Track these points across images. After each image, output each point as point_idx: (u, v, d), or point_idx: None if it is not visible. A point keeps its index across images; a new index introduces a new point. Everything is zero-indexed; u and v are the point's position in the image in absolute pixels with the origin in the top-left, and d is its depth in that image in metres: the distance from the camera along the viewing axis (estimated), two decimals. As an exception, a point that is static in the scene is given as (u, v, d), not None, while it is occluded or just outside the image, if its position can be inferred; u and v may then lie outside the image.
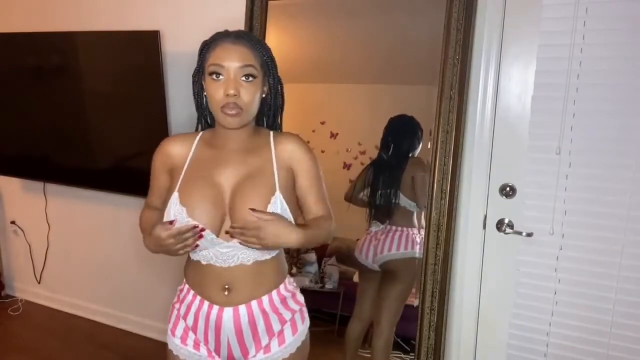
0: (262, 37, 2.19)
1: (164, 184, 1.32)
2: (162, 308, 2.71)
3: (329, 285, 2.42)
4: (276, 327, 1.30)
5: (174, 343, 1.33)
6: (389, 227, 2.14)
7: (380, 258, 2.14)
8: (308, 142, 2.39)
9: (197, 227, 1.17)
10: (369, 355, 2.23)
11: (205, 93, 1.25)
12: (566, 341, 1.79)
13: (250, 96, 1.19)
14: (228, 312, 1.25)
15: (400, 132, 2.12)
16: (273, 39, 2.23)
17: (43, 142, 2.78)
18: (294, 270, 2.50)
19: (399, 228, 2.12)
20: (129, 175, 2.60)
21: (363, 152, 2.23)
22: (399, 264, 2.11)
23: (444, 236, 1.88)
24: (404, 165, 2.11)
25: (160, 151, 1.32)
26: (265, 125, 1.36)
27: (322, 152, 2.28)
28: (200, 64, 1.25)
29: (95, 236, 2.95)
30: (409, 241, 2.10)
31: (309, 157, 1.33)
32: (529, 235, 1.79)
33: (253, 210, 1.16)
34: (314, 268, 2.46)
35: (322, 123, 2.37)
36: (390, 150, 2.13)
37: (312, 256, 2.49)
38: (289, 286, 1.35)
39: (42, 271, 3.18)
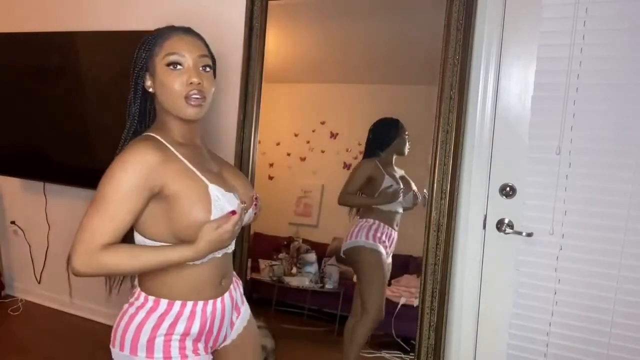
0: (262, 37, 2.19)
1: (136, 211, 1.10)
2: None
3: (329, 285, 2.42)
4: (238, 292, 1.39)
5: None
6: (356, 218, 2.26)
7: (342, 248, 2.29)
8: (308, 142, 2.42)
9: (245, 204, 1.23)
10: (370, 355, 2.23)
11: (151, 90, 1.19)
12: (566, 341, 1.79)
13: (210, 85, 1.18)
14: (224, 299, 1.28)
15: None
16: (273, 39, 2.23)
17: (43, 142, 2.78)
18: (294, 270, 2.50)
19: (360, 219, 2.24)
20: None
21: (363, 152, 2.23)
22: (347, 253, 2.25)
23: (444, 236, 1.88)
24: None
25: (145, 166, 1.09)
26: None
27: (322, 152, 2.29)
28: (145, 60, 1.17)
29: (95, 236, 2.95)
30: (356, 230, 2.20)
31: None
32: (529, 235, 1.79)
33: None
34: (314, 268, 2.46)
35: (322, 123, 2.37)
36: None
37: (312, 256, 2.49)
38: None
39: (42, 271, 3.18)
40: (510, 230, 1.84)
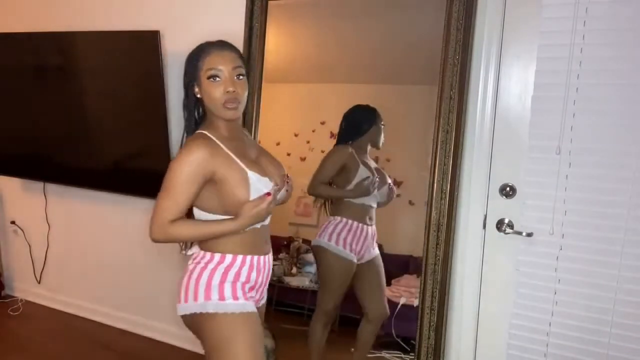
0: (262, 37, 2.19)
1: (195, 193, 1.41)
2: (162, 308, 2.71)
3: (329, 285, 2.41)
4: None
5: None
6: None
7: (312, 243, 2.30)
8: (308, 142, 2.42)
9: (278, 186, 1.52)
10: (370, 355, 2.23)
11: (199, 96, 1.46)
12: (566, 341, 1.79)
13: (244, 91, 1.44)
14: (268, 258, 1.57)
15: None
16: (273, 39, 2.23)
17: (43, 142, 2.79)
18: (294, 270, 2.50)
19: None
20: (129, 175, 2.60)
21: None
22: (313, 249, 2.28)
23: (444, 236, 1.88)
24: None
25: (198, 158, 1.38)
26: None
27: (322, 152, 2.28)
28: (192, 73, 1.45)
29: (95, 236, 2.95)
30: (324, 229, 2.19)
31: None
32: (529, 235, 1.79)
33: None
34: (314, 268, 2.46)
35: (322, 123, 2.37)
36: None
37: (312, 256, 2.49)
38: None
39: (42, 271, 3.18)
40: (510, 230, 1.84)
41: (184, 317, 1.49)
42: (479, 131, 1.87)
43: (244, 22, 2.19)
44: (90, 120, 2.62)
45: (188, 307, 1.46)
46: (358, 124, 2.16)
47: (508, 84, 1.81)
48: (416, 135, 2.14)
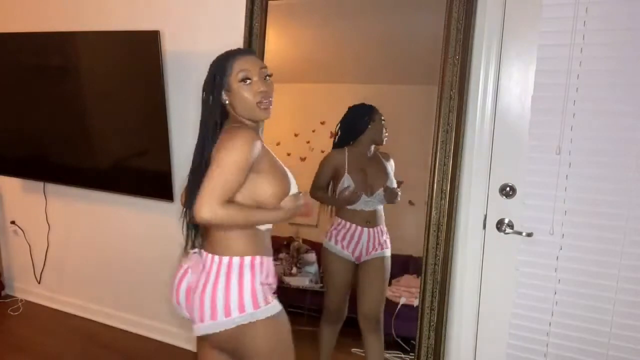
0: (262, 37, 2.19)
1: (244, 179, 1.39)
2: (162, 308, 2.71)
3: (329, 285, 2.41)
4: None
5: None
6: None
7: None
8: (308, 142, 2.41)
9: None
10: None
11: (227, 102, 1.47)
12: (566, 341, 1.79)
13: (272, 90, 1.48)
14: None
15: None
16: (273, 39, 2.23)
17: (43, 142, 2.78)
18: (294, 270, 2.50)
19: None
20: (129, 175, 2.60)
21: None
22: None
23: (444, 236, 1.88)
24: None
25: (256, 145, 1.38)
26: None
27: (322, 152, 2.28)
28: (221, 80, 1.45)
29: (95, 236, 2.95)
30: (328, 229, 2.23)
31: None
32: (529, 235, 1.79)
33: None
34: (314, 268, 2.46)
35: (322, 123, 2.37)
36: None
37: (312, 256, 2.49)
38: None
39: (42, 271, 3.18)
40: (510, 230, 1.84)
41: (219, 334, 1.40)
42: (479, 131, 1.87)
43: (244, 22, 2.19)
44: (91, 120, 2.62)
45: (230, 321, 1.39)
46: (353, 125, 2.17)
47: (508, 83, 1.81)
48: (416, 135, 2.14)
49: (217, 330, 1.40)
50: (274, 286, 1.54)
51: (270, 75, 1.48)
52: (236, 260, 1.41)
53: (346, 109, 2.20)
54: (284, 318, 1.50)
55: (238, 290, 1.39)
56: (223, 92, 1.46)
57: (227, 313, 1.38)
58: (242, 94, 1.43)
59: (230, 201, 1.36)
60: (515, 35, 1.78)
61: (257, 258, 1.44)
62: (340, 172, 2.15)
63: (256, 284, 1.42)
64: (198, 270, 1.44)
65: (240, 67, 1.44)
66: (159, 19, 2.46)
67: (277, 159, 1.50)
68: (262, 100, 1.44)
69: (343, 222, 2.17)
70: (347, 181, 2.12)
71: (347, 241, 2.16)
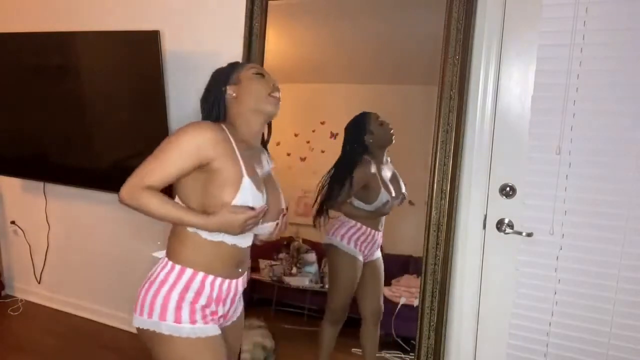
0: (262, 37, 2.19)
1: (183, 170, 1.29)
2: (162, 308, 2.71)
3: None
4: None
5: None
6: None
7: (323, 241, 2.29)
8: (308, 142, 2.41)
9: (266, 208, 1.38)
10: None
11: (234, 95, 1.42)
12: (566, 341, 1.78)
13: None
14: (238, 282, 1.45)
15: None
16: (273, 39, 2.23)
17: (43, 142, 2.78)
18: (294, 270, 2.50)
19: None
20: (128, 175, 2.59)
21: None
22: (325, 247, 2.27)
23: (444, 236, 1.88)
24: None
25: (200, 135, 1.29)
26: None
27: (322, 152, 2.29)
28: (228, 75, 1.44)
29: (95, 236, 2.95)
30: (336, 228, 2.20)
31: None
32: (529, 235, 1.79)
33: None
34: (314, 268, 2.46)
35: (322, 123, 2.37)
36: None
37: (312, 256, 2.49)
38: None
39: (42, 271, 3.18)
40: (510, 230, 1.84)
41: (138, 329, 1.40)
42: (479, 131, 1.87)
43: (244, 22, 2.19)
44: (90, 120, 2.62)
45: (143, 321, 1.37)
46: (357, 140, 2.14)
47: (508, 83, 1.81)
48: (416, 135, 2.14)
49: (135, 325, 1.40)
50: (225, 311, 1.44)
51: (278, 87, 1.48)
52: (176, 268, 1.36)
53: (347, 108, 2.20)
54: (204, 346, 1.36)
55: (157, 298, 1.34)
56: (229, 87, 1.43)
57: (141, 312, 1.36)
58: (254, 85, 1.42)
59: (156, 189, 1.29)
60: (515, 35, 1.78)
61: (199, 275, 1.36)
62: (373, 186, 2.12)
63: (180, 301, 1.33)
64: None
65: (253, 67, 1.48)
66: (159, 19, 2.46)
67: (241, 162, 1.33)
68: (274, 92, 1.43)
69: (358, 224, 2.15)
70: (385, 196, 2.12)
71: (361, 242, 2.16)
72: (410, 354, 2.12)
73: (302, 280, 2.47)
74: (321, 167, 2.22)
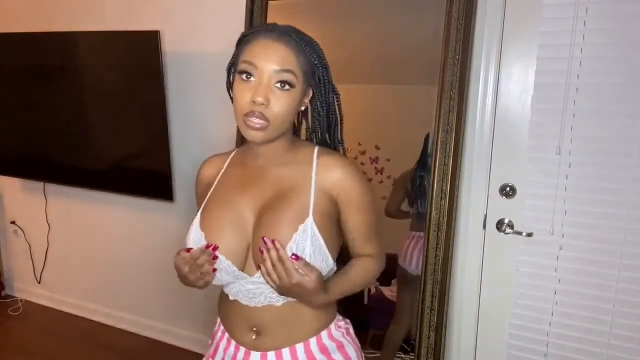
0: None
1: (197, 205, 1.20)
2: (162, 308, 2.71)
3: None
4: None
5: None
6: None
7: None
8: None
9: (210, 246, 1.01)
10: (370, 355, 2.23)
11: (231, 94, 1.05)
12: (566, 341, 1.79)
13: (282, 108, 0.98)
14: (255, 356, 1.08)
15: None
16: (273, 39, 2.23)
17: (43, 142, 2.78)
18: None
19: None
20: (129, 175, 2.60)
21: (363, 152, 2.23)
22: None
23: (444, 236, 1.88)
24: None
25: (198, 174, 1.19)
26: (314, 143, 1.16)
27: (322, 152, 2.28)
28: (231, 63, 1.07)
29: (95, 236, 2.95)
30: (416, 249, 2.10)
31: (360, 187, 1.08)
32: (529, 235, 1.79)
33: (296, 256, 0.98)
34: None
35: (322, 123, 2.37)
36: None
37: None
38: (335, 333, 1.13)
39: (42, 271, 3.18)
40: (510, 230, 1.84)
41: None
42: (479, 131, 1.87)
43: (244, 22, 2.19)
44: (91, 120, 2.62)
45: None
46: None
47: (508, 84, 1.81)
48: (416, 135, 2.14)
49: None
50: None
51: (290, 86, 0.98)
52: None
53: (347, 108, 2.19)
54: None
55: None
56: (231, 80, 1.09)
57: None
58: (235, 91, 0.99)
59: None
60: (515, 35, 1.78)
61: (217, 322, 1.20)
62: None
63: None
64: None
65: (247, 54, 0.99)
66: (159, 19, 2.46)
67: (206, 198, 1.11)
68: (250, 115, 0.96)
69: (418, 233, 2.02)
70: None
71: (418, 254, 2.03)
72: (410, 354, 2.12)
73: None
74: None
